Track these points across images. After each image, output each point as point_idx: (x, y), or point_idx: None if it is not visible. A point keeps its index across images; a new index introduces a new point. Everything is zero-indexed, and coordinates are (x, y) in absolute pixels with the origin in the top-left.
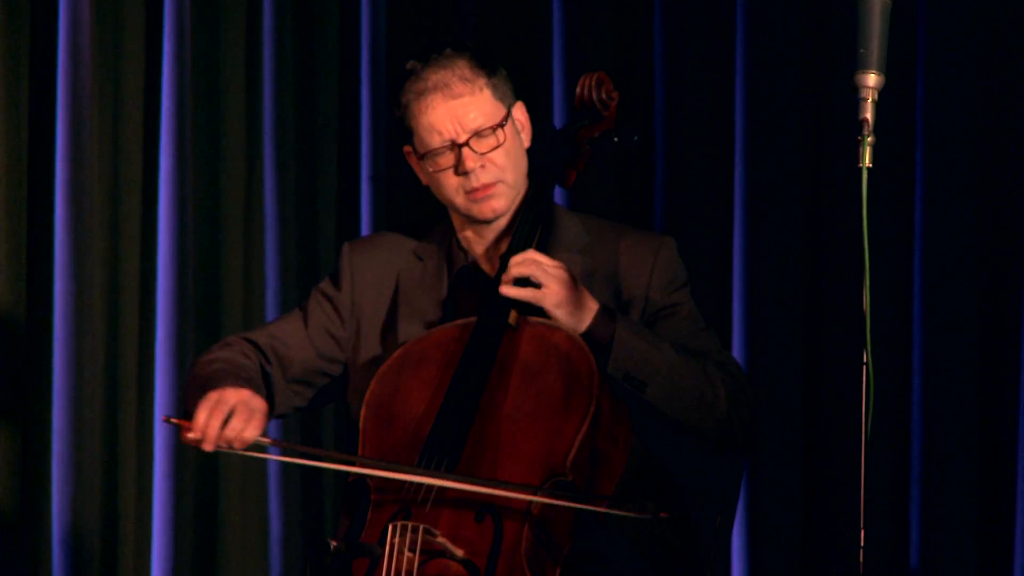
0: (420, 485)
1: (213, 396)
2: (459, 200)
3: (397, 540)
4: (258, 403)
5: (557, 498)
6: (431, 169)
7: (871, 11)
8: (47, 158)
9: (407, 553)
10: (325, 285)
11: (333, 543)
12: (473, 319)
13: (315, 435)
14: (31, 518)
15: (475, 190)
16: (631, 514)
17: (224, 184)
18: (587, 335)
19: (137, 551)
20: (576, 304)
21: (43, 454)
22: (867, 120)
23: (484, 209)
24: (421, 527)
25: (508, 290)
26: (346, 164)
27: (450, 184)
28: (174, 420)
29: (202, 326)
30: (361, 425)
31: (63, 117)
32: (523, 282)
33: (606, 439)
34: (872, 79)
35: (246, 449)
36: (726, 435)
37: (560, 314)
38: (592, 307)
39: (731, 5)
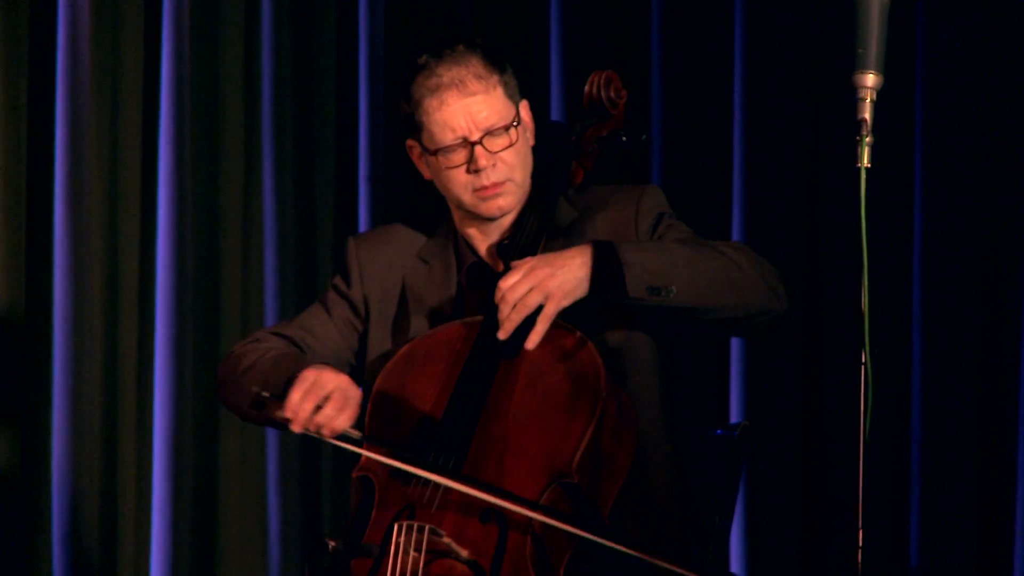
0: (426, 485)
1: (310, 376)
2: (466, 197)
3: (402, 540)
4: (355, 392)
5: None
6: (442, 166)
7: (870, 11)
8: (46, 158)
9: (412, 553)
10: (338, 281)
11: (332, 543)
12: (480, 317)
13: None
14: (31, 518)
15: (484, 188)
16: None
17: (223, 184)
18: (596, 276)
19: (136, 551)
20: (565, 267)
21: (42, 454)
22: (866, 120)
23: (491, 207)
24: (427, 527)
25: (510, 327)
26: (344, 164)
27: (459, 181)
28: (265, 394)
29: (200, 326)
30: (366, 421)
31: (62, 117)
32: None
33: (612, 441)
34: (871, 79)
35: (335, 438)
36: (770, 299)
37: (568, 290)
38: (583, 253)
39: (729, 5)
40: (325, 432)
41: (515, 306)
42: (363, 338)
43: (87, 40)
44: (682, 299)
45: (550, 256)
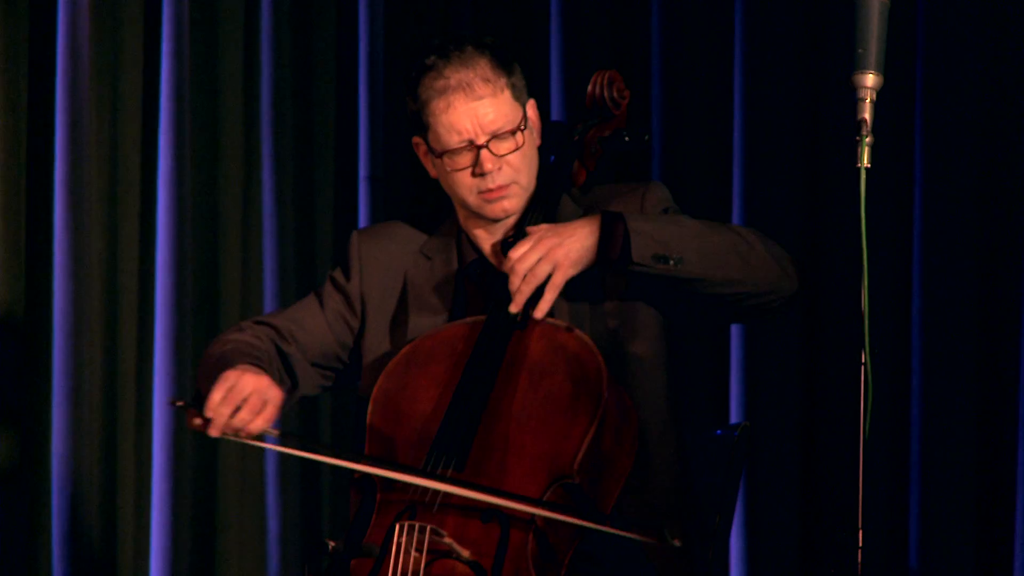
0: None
1: (230, 378)
2: (471, 199)
3: (404, 540)
4: (274, 394)
5: (558, 511)
6: (448, 168)
7: (869, 11)
8: (46, 158)
9: (413, 553)
10: (337, 274)
11: (331, 543)
12: (483, 317)
13: (313, 426)
14: (31, 518)
15: (489, 191)
16: (628, 534)
17: (222, 184)
18: (603, 243)
19: (136, 551)
20: (573, 236)
21: (42, 454)
22: (865, 120)
23: (496, 209)
24: (428, 527)
25: (521, 299)
26: (344, 164)
27: (464, 183)
28: (179, 403)
29: (200, 326)
30: (368, 420)
31: (62, 118)
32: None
33: (613, 441)
34: (870, 79)
35: (252, 439)
36: (779, 277)
37: (575, 259)
38: (592, 223)
39: (729, 5)
40: (243, 435)
41: (525, 277)
42: (358, 336)
43: (87, 40)
44: (689, 269)
45: (559, 226)
